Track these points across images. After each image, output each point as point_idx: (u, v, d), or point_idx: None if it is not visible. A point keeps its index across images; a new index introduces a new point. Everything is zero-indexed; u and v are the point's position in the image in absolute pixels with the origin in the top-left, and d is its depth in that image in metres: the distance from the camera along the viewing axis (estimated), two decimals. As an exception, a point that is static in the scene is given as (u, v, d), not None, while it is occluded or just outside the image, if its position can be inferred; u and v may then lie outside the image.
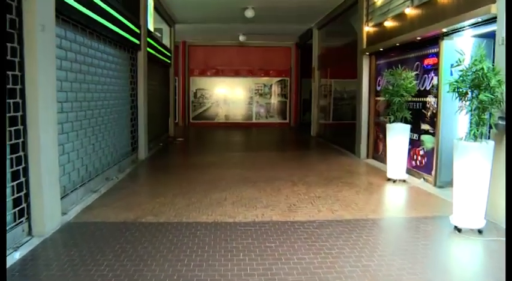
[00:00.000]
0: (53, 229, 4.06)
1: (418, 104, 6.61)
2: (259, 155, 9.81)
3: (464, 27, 5.28)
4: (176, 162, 9.19)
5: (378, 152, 8.41)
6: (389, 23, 7.48)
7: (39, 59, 3.82)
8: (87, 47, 5.65)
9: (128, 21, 7.29)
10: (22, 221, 3.81)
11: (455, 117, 5.75)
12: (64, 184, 4.84)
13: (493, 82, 3.80)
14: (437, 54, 6.04)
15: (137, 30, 8.08)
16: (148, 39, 9.10)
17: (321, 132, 13.27)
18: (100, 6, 5.78)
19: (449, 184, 5.75)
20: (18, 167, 3.74)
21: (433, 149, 6.18)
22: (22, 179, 3.80)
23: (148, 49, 9.03)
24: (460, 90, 4.04)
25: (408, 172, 6.56)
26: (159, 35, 11.89)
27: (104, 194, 5.65)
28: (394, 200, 5.77)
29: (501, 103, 3.95)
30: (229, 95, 18.15)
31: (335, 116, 12.06)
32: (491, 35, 5.30)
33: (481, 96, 3.85)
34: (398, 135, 6.34)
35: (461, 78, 4.04)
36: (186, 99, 17.85)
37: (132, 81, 8.21)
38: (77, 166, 5.30)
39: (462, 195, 4.06)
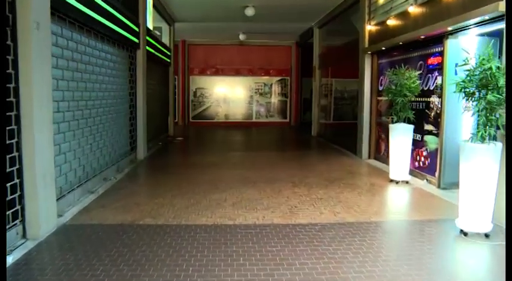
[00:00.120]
0: (48, 232, 3.95)
1: (421, 104, 6.50)
2: (259, 155, 9.70)
3: (470, 25, 5.17)
4: (175, 162, 9.08)
5: (380, 152, 8.30)
6: (392, 22, 7.37)
7: (34, 57, 3.71)
8: (84, 45, 5.54)
9: (127, 19, 7.18)
10: (16, 223, 3.70)
11: (460, 117, 5.68)
12: (60, 184, 4.74)
13: (501, 82, 3.69)
14: (441, 54, 5.92)
15: (136, 29, 7.97)
16: (148, 38, 8.99)
17: (322, 132, 13.16)
18: (98, 4, 5.67)
19: (453, 185, 5.66)
20: (12, 168, 3.63)
21: (436, 150, 6.08)
22: (16, 180, 3.69)
23: (147, 48, 8.92)
24: (467, 90, 3.94)
25: (411, 173, 6.46)
26: (158, 33, 11.77)
27: (101, 194, 5.54)
28: (397, 202, 5.66)
29: (509, 103, 3.84)
30: (229, 94, 18.04)
31: (336, 116, 11.95)
32: (495, 34, 5.21)
33: (489, 97, 3.74)
34: (401, 136, 6.23)
35: (468, 77, 3.93)
36: (185, 99, 17.74)
37: (131, 80, 8.10)
38: (74, 166, 5.19)
39: (468, 198, 3.96)
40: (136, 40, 8.00)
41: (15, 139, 3.67)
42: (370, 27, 8.43)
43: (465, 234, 3.98)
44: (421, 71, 6.40)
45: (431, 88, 6.25)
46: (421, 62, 6.54)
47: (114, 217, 4.55)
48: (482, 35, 5.40)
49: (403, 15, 6.91)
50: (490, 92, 3.76)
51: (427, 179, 6.29)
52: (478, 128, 3.91)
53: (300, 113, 18.14)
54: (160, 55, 11.04)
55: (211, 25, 13.78)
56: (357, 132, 8.96)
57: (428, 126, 6.36)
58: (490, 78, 3.73)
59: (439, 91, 6.00)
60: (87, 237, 3.94)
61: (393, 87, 6.23)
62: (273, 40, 17.04)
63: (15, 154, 3.67)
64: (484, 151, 3.84)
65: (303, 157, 9.62)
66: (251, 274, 3.14)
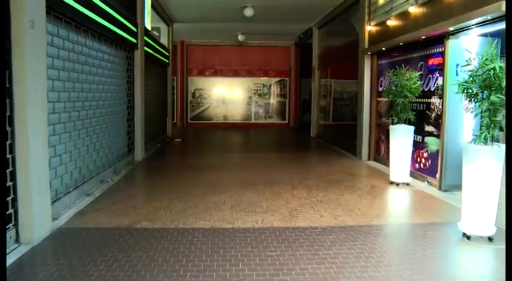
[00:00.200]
0: (42, 236, 3.86)
1: (422, 105, 6.43)
2: (258, 156, 9.62)
3: (472, 25, 5.10)
4: (173, 163, 8.99)
5: (380, 154, 8.23)
6: (392, 22, 7.30)
7: (28, 57, 3.63)
8: (81, 45, 5.45)
9: (124, 19, 7.10)
10: (9, 227, 3.61)
11: (461, 118, 5.63)
12: (56, 187, 4.65)
13: (505, 82, 3.61)
14: (442, 54, 5.86)
15: (134, 29, 7.89)
16: (146, 38, 8.91)
17: (321, 133, 13.09)
18: (95, 3, 5.59)
19: (454, 187, 5.60)
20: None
21: (437, 151, 6.01)
22: (9, 183, 3.60)
23: (145, 48, 8.84)
24: (470, 91, 3.87)
25: (411, 175, 6.39)
26: (156, 34, 11.69)
27: (98, 197, 5.45)
28: (398, 204, 5.59)
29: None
30: (227, 95, 17.95)
31: (335, 117, 11.88)
32: (496, 34, 5.14)
33: (492, 98, 3.67)
34: (401, 137, 6.16)
35: (471, 78, 3.86)
36: (184, 100, 17.64)
37: (129, 80, 8.01)
38: (69, 168, 5.10)
39: (471, 200, 3.88)
40: (134, 40, 7.91)
41: (9, 141, 3.58)
42: (370, 28, 8.37)
43: (468, 237, 3.90)
44: (421, 72, 6.33)
45: (432, 89, 6.18)
46: (421, 62, 6.47)
47: (110, 220, 4.46)
48: (483, 35, 5.33)
49: (404, 15, 6.84)
50: (493, 93, 3.69)
51: (428, 181, 6.21)
52: (481, 129, 3.84)
53: (299, 114, 18.06)
54: (158, 56, 10.96)
55: (210, 26, 13.70)
56: (357, 134, 8.89)
57: (429, 128, 6.29)
58: (493, 79, 3.66)
59: (440, 92, 5.93)
60: (82, 241, 3.85)
61: (394, 88, 6.17)
62: (272, 41, 16.96)
63: (9, 155, 3.58)
64: (488, 152, 3.77)
65: (302, 158, 9.54)
66: (250, 279, 3.06)
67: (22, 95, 3.59)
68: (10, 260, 3.33)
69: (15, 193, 3.65)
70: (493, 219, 3.87)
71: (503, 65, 3.75)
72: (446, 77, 5.72)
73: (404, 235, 4.29)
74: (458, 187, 4.98)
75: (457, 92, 4.01)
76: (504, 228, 3.99)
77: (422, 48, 6.46)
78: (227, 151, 10.58)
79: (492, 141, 3.80)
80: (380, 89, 8.17)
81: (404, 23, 6.85)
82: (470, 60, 3.98)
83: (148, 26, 9.35)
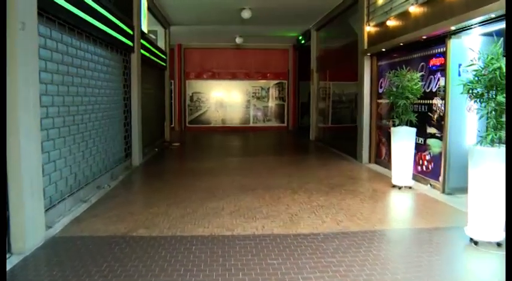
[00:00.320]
0: (35, 245, 3.72)
1: (423, 106, 6.33)
2: (257, 160, 9.50)
3: (474, 24, 5.00)
4: (172, 168, 8.85)
5: (381, 156, 8.12)
6: (392, 22, 7.20)
7: (19, 59, 3.50)
8: (75, 48, 5.33)
9: (120, 21, 6.99)
10: None
11: (464, 120, 5.52)
12: (50, 194, 4.51)
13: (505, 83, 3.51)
14: (444, 54, 5.76)
15: (130, 32, 7.78)
16: (142, 41, 8.80)
17: (320, 136, 12.97)
18: (89, 5, 5.47)
19: (458, 190, 5.49)
20: (-5, 178, 3.41)
21: (440, 153, 5.89)
22: (-1, 190, 3.47)
23: (142, 51, 8.72)
24: (475, 91, 3.76)
25: (414, 178, 6.26)
26: (153, 37, 11.58)
27: (94, 203, 5.32)
28: (402, 209, 5.46)
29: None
30: (226, 99, 17.83)
31: (334, 120, 11.77)
32: (497, 34, 5.03)
33: (498, 98, 3.56)
34: (403, 140, 6.05)
35: (476, 78, 3.75)
36: (182, 103, 17.52)
37: (126, 84, 7.89)
38: (64, 174, 4.96)
39: (478, 204, 3.76)
40: (130, 43, 7.80)
41: (-1, 146, 3.45)
42: (369, 29, 8.27)
43: (475, 243, 3.78)
44: (423, 73, 6.23)
45: (434, 90, 6.08)
46: (422, 63, 6.37)
47: (106, 228, 4.32)
48: (484, 34, 5.24)
49: (404, 15, 6.75)
50: (499, 93, 3.58)
51: (430, 184, 6.10)
52: (487, 131, 3.72)
53: (297, 117, 17.95)
54: (155, 59, 10.84)
55: (208, 28, 13.61)
56: (357, 136, 8.78)
57: (431, 130, 6.18)
58: (499, 78, 3.55)
59: (442, 93, 5.83)
60: (77, 250, 3.71)
61: (394, 89, 6.06)
62: (270, 43, 16.87)
63: (-1, 162, 3.46)
64: (494, 154, 3.65)
65: (302, 162, 9.41)
66: (251, 290, 2.94)
67: (13, 99, 3.45)
68: (1, 271, 3.20)
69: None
70: (502, 224, 3.74)
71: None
72: (448, 78, 5.62)
73: (409, 241, 4.16)
74: (462, 189, 4.88)
75: (461, 93, 3.91)
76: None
77: (423, 49, 6.36)
78: (226, 155, 10.45)
79: (499, 143, 3.69)
80: (380, 90, 8.06)
81: (405, 23, 6.75)
82: (474, 60, 3.87)
83: (144, 28, 9.24)
